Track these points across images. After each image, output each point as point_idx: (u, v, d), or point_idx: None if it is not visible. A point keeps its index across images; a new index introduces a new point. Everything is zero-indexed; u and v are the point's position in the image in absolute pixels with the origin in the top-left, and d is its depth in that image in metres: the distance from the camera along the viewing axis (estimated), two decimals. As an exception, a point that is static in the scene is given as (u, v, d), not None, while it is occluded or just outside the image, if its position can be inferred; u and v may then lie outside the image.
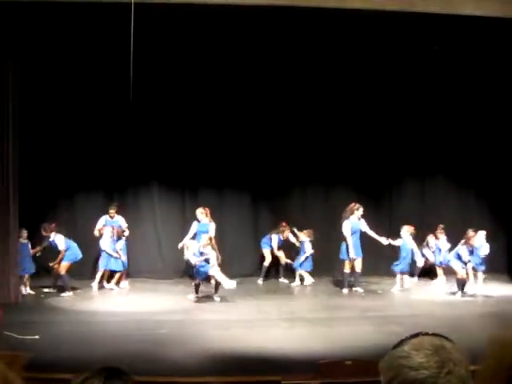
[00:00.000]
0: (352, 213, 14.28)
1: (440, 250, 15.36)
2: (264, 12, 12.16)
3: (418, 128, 15.98)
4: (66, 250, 13.92)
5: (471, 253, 13.93)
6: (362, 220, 14.45)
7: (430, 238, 15.54)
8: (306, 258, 15.29)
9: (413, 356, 1.71)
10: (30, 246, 14.13)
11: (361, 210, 14.35)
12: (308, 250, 15.27)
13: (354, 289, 14.40)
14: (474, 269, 14.45)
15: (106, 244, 14.53)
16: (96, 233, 14.59)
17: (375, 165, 16.22)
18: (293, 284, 15.35)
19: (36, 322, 11.17)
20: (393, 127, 15.97)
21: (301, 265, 15.36)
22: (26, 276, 13.95)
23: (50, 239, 13.89)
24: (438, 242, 15.43)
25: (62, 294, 13.72)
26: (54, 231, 13.91)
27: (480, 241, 14.17)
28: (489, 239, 14.58)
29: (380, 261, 15.64)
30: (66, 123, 15.09)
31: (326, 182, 16.33)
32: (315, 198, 16.41)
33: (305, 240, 15.28)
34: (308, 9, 11.75)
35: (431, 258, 15.57)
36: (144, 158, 15.37)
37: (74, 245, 14.17)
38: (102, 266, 14.57)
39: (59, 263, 13.82)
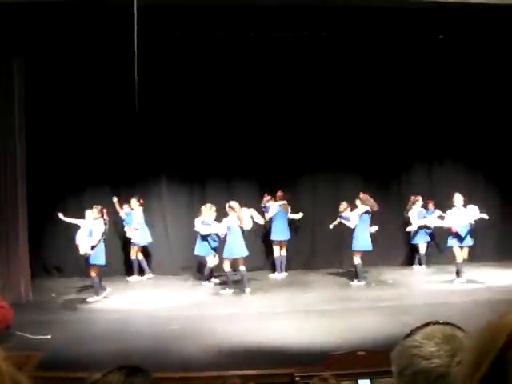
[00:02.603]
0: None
1: None
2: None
3: (424, 114, 15.91)
4: None
5: None
6: None
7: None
8: None
9: (424, 345, 1.71)
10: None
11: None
12: None
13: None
14: None
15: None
16: None
17: (383, 152, 16.15)
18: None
19: (47, 321, 11.20)
20: (400, 114, 15.90)
21: None
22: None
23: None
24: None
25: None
26: None
27: None
28: (498, 224, 14.56)
29: (391, 251, 15.70)
30: (72, 119, 15.09)
31: (335, 171, 16.24)
32: (324, 187, 16.32)
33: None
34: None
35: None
36: (152, 152, 15.34)
37: None
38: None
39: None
